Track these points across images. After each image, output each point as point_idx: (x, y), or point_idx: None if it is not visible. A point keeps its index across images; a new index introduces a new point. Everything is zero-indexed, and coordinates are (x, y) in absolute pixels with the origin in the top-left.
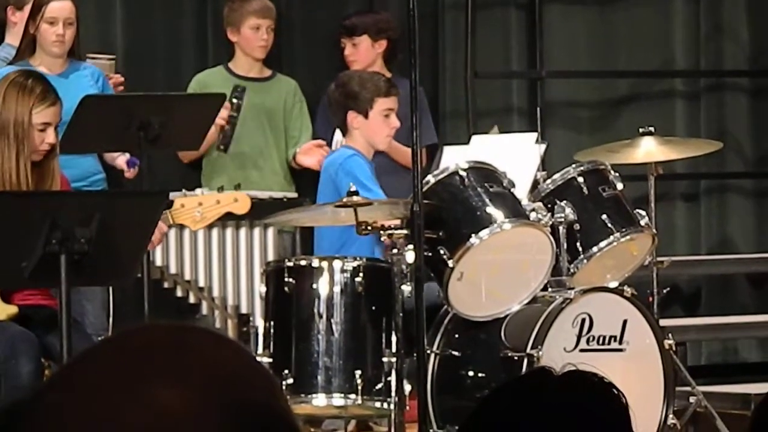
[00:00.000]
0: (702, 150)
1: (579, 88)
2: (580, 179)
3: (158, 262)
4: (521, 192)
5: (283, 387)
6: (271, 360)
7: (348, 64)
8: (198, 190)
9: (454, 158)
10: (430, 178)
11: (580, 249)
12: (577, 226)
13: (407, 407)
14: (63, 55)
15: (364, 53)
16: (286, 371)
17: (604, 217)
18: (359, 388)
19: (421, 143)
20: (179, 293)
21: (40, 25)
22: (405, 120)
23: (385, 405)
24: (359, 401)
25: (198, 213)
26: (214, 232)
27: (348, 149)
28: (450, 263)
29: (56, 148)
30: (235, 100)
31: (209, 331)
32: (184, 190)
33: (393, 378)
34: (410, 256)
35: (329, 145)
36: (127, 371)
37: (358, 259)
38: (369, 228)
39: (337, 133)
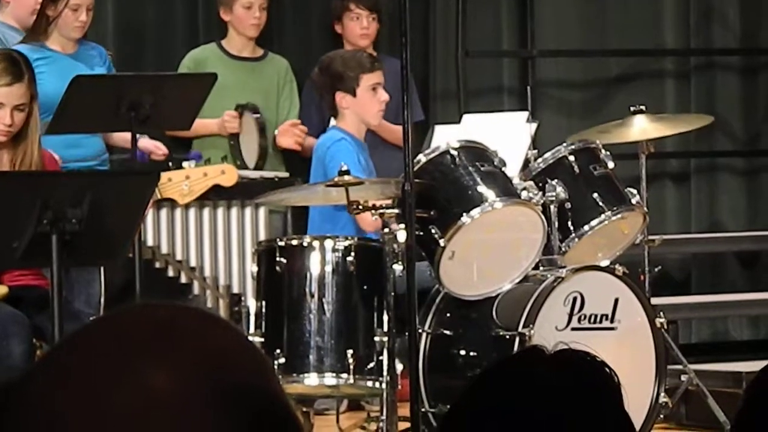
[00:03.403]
0: (693, 125)
1: (570, 67)
2: (571, 158)
3: (150, 242)
4: (512, 171)
5: (275, 366)
6: (262, 340)
7: (357, 38)
8: (185, 164)
9: (445, 137)
10: (422, 158)
11: (572, 228)
12: (568, 205)
13: (399, 386)
14: (78, 38)
15: (375, 29)
16: (278, 351)
17: (595, 195)
18: (351, 367)
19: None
20: (171, 273)
21: (63, 11)
22: (394, 99)
23: (377, 384)
24: (351, 380)
25: (185, 186)
26: (206, 211)
27: (337, 131)
28: (441, 242)
29: (27, 130)
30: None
31: (200, 311)
32: (170, 164)
33: (385, 357)
34: (402, 236)
35: (315, 125)
36: (117, 352)
37: (349, 238)
38: (360, 207)
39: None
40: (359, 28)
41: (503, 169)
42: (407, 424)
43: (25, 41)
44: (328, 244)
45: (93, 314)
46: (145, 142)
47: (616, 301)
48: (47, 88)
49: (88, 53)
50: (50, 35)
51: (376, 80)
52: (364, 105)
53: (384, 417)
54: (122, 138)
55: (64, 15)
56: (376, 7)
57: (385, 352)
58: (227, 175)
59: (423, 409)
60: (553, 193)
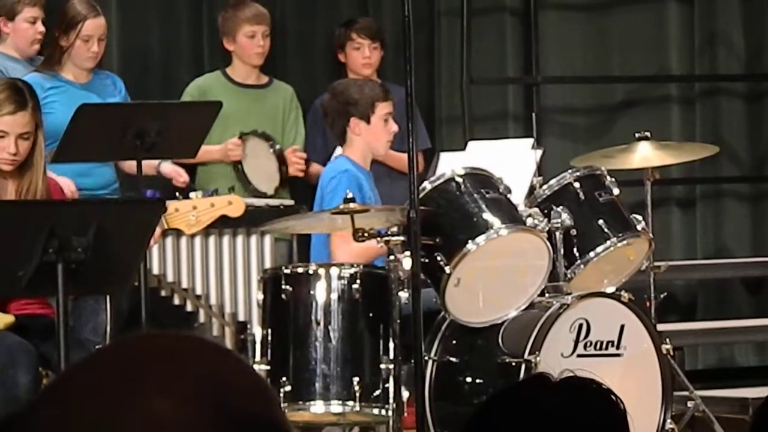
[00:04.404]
0: (698, 154)
1: (574, 93)
2: (577, 184)
3: (155, 270)
4: (518, 198)
5: (281, 394)
6: (268, 367)
7: (360, 67)
8: (192, 194)
9: (450, 164)
10: (427, 185)
11: (577, 254)
12: (573, 232)
13: (405, 414)
14: (92, 68)
15: (378, 58)
16: (284, 378)
17: (600, 222)
18: (357, 394)
19: (416, 149)
20: (177, 301)
21: (75, 41)
22: (400, 126)
23: (383, 411)
24: (357, 408)
25: (192, 217)
26: (211, 239)
27: (344, 161)
28: (447, 269)
29: (32, 158)
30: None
31: (205, 340)
32: (178, 194)
33: (391, 384)
34: (407, 263)
35: (320, 152)
36: (122, 381)
37: (355, 265)
38: (366, 235)
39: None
40: (361, 57)
41: (508, 196)
42: None
43: (39, 70)
44: (334, 271)
45: (100, 343)
46: (166, 168)
47: (622, 327)
48: (59, 117)
49: (102, 82)
50: (64, 65)
51: (388, 110)
52: (376, 133)
53: None
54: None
55: (76, 45)
56: (378, 36)
57: (391, 379)
58: (234, 205)
59: None
60: (559, 220)
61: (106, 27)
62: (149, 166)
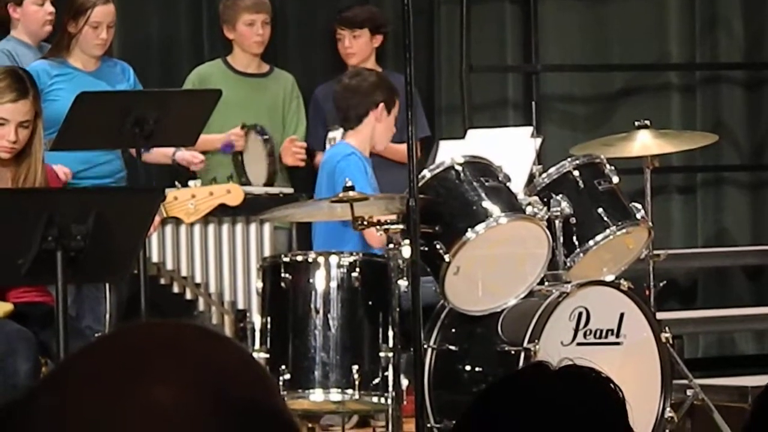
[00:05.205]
0: (697, 143)
1: (574, 81)
2: (576, 173)
3: (155, 258)
4: (517, 186)
5: (280, 383)
6: (268, 356)
7: (345, 56)
8: (191, 183)
9: (449, 152)
10: (426, 173)
11: (577, 243)
12: (573, 220)
13: (404, 402)
14: (101, 55)
15: (363, 47)
16: (283, 367)
17: (600, 210)
18: (356, 383)
19: (415, 137)
20: (176, 289)
21: (83, 27)
22: (400, 115)
23: (383, 400)
24: (356, 396)
25: (191, 205)
26: (211, 228)
27: (346, 146)
28: (446, 258)
29: (30, 147)
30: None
31: (202, 328)
32: (177, 183)
33: (390, 373)
34: (406, 251)
35: (322, 141)
36: (122, 369)
37: (354, 254)
38: (365, 223)
39: (330, 133)
40: (343, 47)
41: (508, 184)
42: None
43: (48, 57)
44: (333, 260)
45: (101, 332)
46: (183, 154)
47: (622, 315)
48: (64, 105)
49: (111, 70)
50: (72, 52)
51: (398, 108)
52: (389, 126)
53: None
54: (157, 154)
55: (85, 32)
56: (363, 25)
57: (391, 367)
58: (233, 194)
59: (428, 425)
60: (558, 208)
61: (115, 14)
62: (164, 155)
